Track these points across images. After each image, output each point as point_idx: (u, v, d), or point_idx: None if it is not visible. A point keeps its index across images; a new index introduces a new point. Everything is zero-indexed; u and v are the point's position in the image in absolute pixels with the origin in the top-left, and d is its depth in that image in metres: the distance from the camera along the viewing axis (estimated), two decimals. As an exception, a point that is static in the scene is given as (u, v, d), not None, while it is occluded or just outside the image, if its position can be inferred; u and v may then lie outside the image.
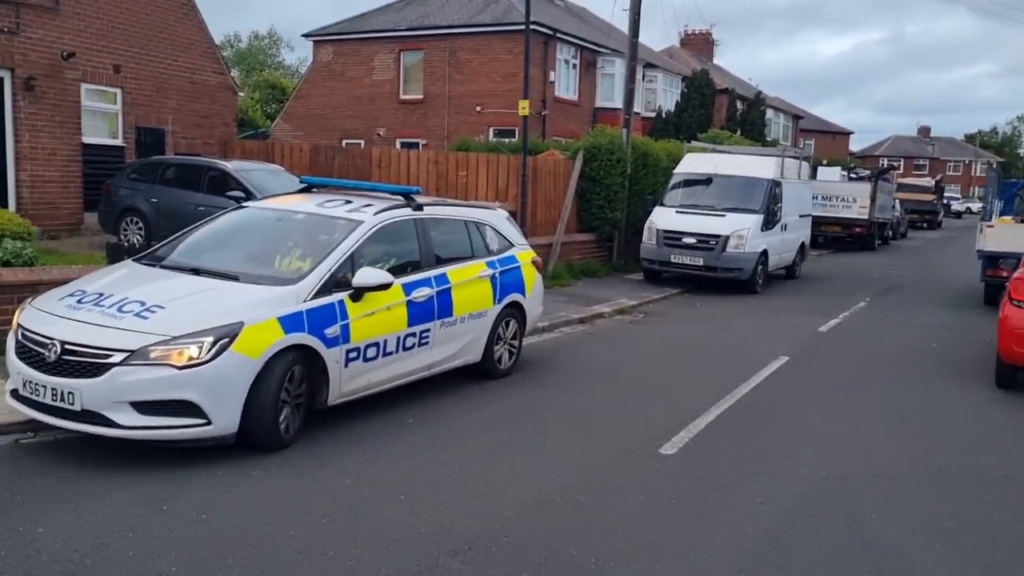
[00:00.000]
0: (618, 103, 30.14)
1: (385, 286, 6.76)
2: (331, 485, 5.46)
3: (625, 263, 17.58)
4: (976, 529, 5.28)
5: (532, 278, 9.09)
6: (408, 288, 7.24)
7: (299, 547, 4.52)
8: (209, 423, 5.67)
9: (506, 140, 24.20)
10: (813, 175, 28.07)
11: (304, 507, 5.07)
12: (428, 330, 7.46)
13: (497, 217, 9.06)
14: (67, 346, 5.65)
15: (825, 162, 31.58)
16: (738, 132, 27.49)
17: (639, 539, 4.86)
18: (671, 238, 15.77)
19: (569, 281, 15.54)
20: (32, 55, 15.09)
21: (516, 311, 8.83)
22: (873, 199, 26.53)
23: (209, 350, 5.65)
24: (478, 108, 27.54)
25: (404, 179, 16.06)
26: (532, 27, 26.60)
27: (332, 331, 6.43)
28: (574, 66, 29.36)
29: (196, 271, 6.67)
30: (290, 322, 6.11)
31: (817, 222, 26.39)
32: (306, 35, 30.96)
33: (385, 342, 6.98)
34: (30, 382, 5.75)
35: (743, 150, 18.83)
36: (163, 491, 5.20)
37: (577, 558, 4.56)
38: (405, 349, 7.25)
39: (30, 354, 5.81)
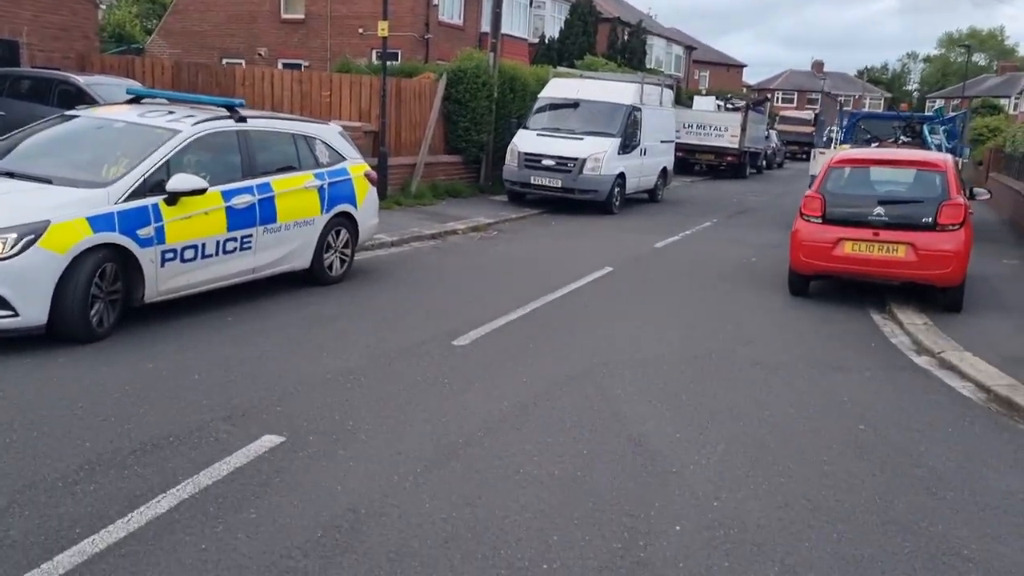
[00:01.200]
0: (507, 29, 30.51)
1: (199, 191, 7.16)
2: (132, 368, 5.94)
3: (492, 185, 18.16)
4: (697, 400, 6.14)
5: (364, 190, 9.57)
6: (228, 195, 7.64)
7: (81, 415, 5.01)
8: (16, 315, 6.06)
9: (388, 63, 24.30)
10: (688, 105, 29.12)
11: (97, 385, 5.55)
12: (250, 235, 7.91)
13: (328, 132, 9.47)
14: None
15: (704, 92, 32.57)
16: (617, 61, 28.11)
17: (401, 409, 5.53)
18: (531, 160, 16.40)
19: (432, 200, 16.06)
20: None
21: (347, 221, 9.32)
22: (744, 129, 27.72)
23: (14, 246, 6.01)
24: (360, 30, 27.31)
25: (268, 98, 16.16)
26: (414, -52, 26.59)
27: (145, 232, 6.83)
28: (458, -11, 29.34)
29: (11, 174, 6.94)
30: (99, 222, 6.48)
31: (691, 150, 27.61)
32: (181, -52, 29.90)
33: (204, 245, 7.41)
34: None
35: (606, 76, 19.48)
36: (-34, 373, 5.60)
37: (339, 422, 5.20)
38: (226, 252, 7.69)
39: None
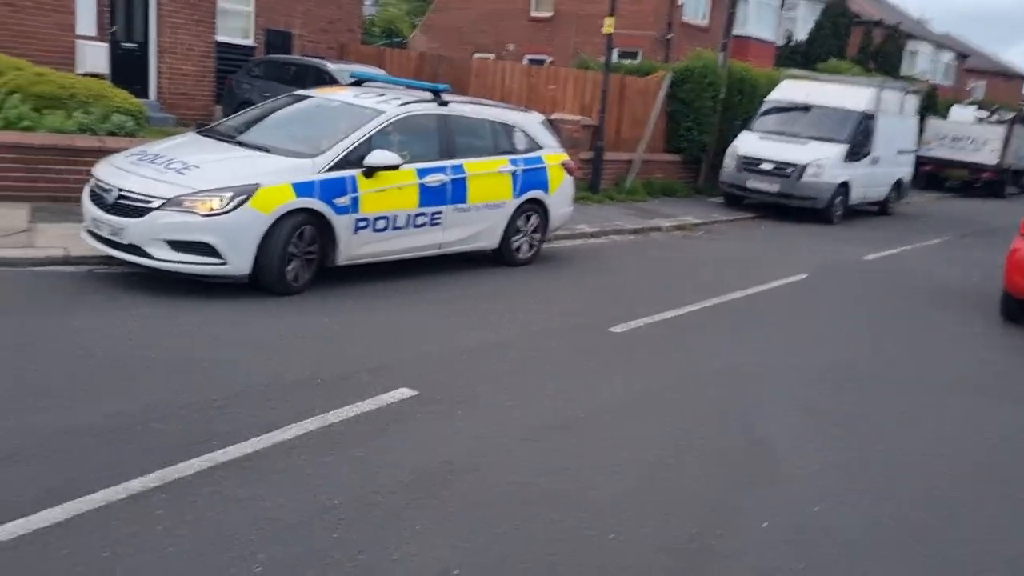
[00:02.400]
0: (751, 31, 29.80)
1: (394, 167, 7.81)
2: (310, 320, 6.66)
3: (710, 187, 17.90)
4: (835, 411, 5.90)
5: (559, 179, 9.90)
6: (422, 173, 8.26)
7: (253, 353, 5.74)
8: (225, 263, 6.96)
9: (626, 62, 24.56)
10: (944, 115, 26.91)
11: (276, 330, 6.29)
12: (440, 212, 8.49)
13: (529, 120, 9.88)
14: (122, 192, 7.04)
15: (970, 103, 29.93)
16: (867, 66, 26.48)
17: (531, 383, 5.80)
18: (749, 163, 16.02)
19: (644, 197, 16.14)
20: (175, -43, 16.76)
21: (538, 207, 9.70)
22: (1007, 144, 25.19)
23: (228, 203, 6.91)
24: (603, 29, 27.70)
25: (498, 89, 16.95)
26: (663, -53, 26.58)
27: (342, 201, 7.57)
28: (706, -11, 28.96)
29: (240, 143, 7.96)
30: (302, 188, 7.28)
31: (943, 164, 25.53)
32: (447, -52, 31.81)
33: (395, 217, 8.07)
34: (96, 219, 7.21)
35: (841, 79, 18.52)
36: (175, 309, 6.55)
37: (469, 386, 5.57)
38: (416, 226, 8.32)
39: (97, 198, 7.25)
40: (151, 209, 6.88)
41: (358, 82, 9.58)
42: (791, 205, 15.86)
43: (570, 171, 10.18)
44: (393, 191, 7.98)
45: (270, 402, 4.91)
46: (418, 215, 8.29)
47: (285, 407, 4.86)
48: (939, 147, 25.05)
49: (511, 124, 9.54)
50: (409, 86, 9.48)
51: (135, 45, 16.65)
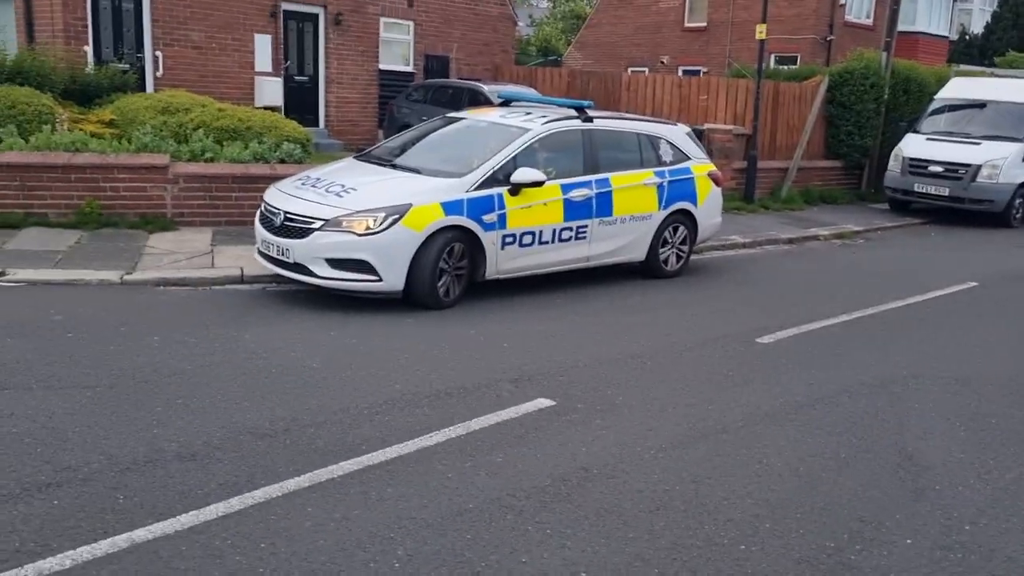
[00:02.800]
0: (920, 26, 28.29)
1: (538, 183, 8.02)
2: (458, 333, 6.94)
3: (874, 192, 17.13)
4: (1006, 426, 5.56)
5: (706, 189, 9.81)
6: (567, 188, 8.43)
7: (404, 363, 6.04)
8: (380, 279, 7.37)
9: (784, 67, 23.90)
10: None
11: (426, 342, 6.60)
12: (585, 226, 8.62)
13: (674, 132, 9.86)
14: (287, 215, 7.60)
15: None
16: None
17: (673, 392, 5.80)
18: (916, 166, 15.23)
19: (801, 205, 15.65)
20: (340, -7, 17.82)
21: (685, 218, 9.65)
22: None
23: (382, 223, 7.32)
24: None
25: (649, 102, 16.91)
26: (823, -53, 25.72)
27: (490, 217, 7.84)
28: (871, -13, 27.72)
29: (394, 166, 8.40)
30: (451, 207, 7.60)
31: None
32: (600, -35, 32.05)
33: (541, 232, 8.27)
34: (265, 241, 7.81)
35: (1017, 74, 17.25)
36: (336, 322, 6.99)
37: (610, 396, 5.65)
38: (561, 240, 8.48)
39: (266, 221, 7.86)
40: (313, 230, 7.38)
41: (506, 102, 9.88)
42: (964, 209, 14.94)
43: (717, 181, 10.07)
44: (538, 207, 8.18)
45: (417, 410, 5.18)
46: (564, 229, 8.45)
47: (430, 415, 5.11)
48: None
49: (656, 136, 9.55)
50: (554, 104, 9.68)
51: (306, 78, 17.81)
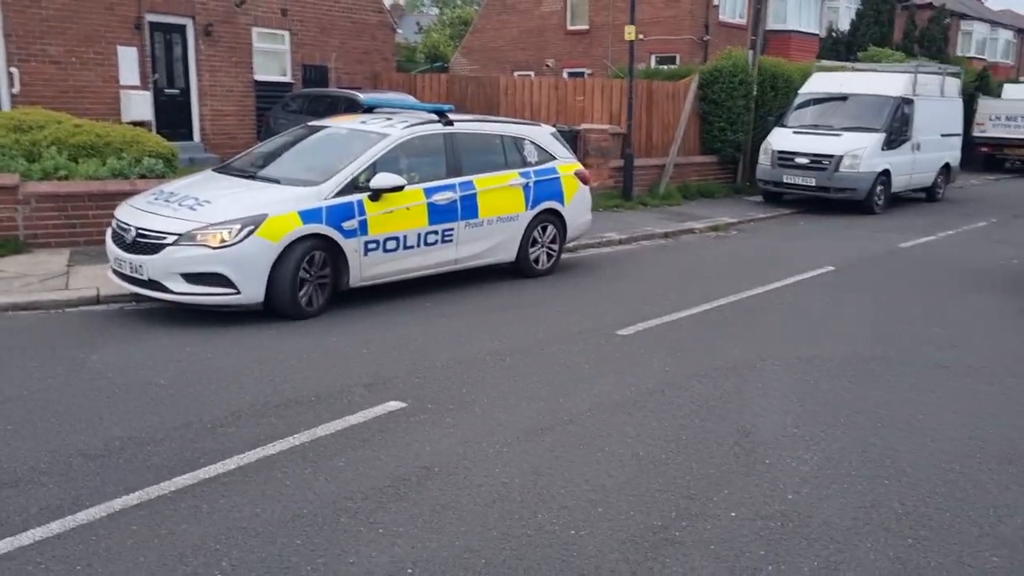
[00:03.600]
0: (791, 24, 29.42)
1: (398, 188, 8.01)
2: (319, 341, 6.86)
3: (749, 185, 17.74)
4: (840, 401, 5.84)
5: (573, 188, 9.98)
6: (430, 192, 8.44)
7: (258, 374, 5.95)
8: (238, 292, 7.23)
9: (664, 67, 24.49)
10: (997, 94, 26.11)
11: (283, 352, 6.51)
12: (451, 229, 8.65)
13: (539, 133, 10.00)
14: (139, 230, 7.39)
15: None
16: (913, 51, 25.78)
17: (527, 387, 5.88)
18: (784, 158, 15.84)
19: (679, 201, 16.07)
20: (210, 4, 17.45)
21: (554, 217, 9.78)
22: (1066, 118, 24.29)
23: (237, 235, 7.19)
24: (640, 36, 27.67)
25: (528, 104, 17.12)
26: (694, -50, 26.48)
27: (350, 224, 7.79)
28: (741, -13, 28.72)
29: (253, 177, 8.26)
30: (309, 215, 7.52)
31: (999, 144, 24.79)
32: (481, -29, 32.27)
33: (405, 237, 8.25)
34: (118, 259, 7.57)
35: (874, 67, 18.17)
36: (193, 338, 6.83)
37: (464, 395, 5.68)
38: (427, 244, 8.49)
39: (118, 238, 7.62)
40: (166, 245, 7.20)
41: (369, 109, 9.84)
42: (830, 198, 15.63)
43: (585, 180, 10.25)
44: (401, 211, 8.17)
45: (263, 420, 5.11)
46: (429, 233, 8.47)
47: (276, 424, 5.05)
48: (993, 127, 24.31)
49: (520, 137, 9.67)
50: (415, 108, 9.68)
51: (177, 91, 17.36)
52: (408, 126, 8.62)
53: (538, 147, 9.78)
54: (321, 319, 7.54)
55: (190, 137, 17.43)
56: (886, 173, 15.65)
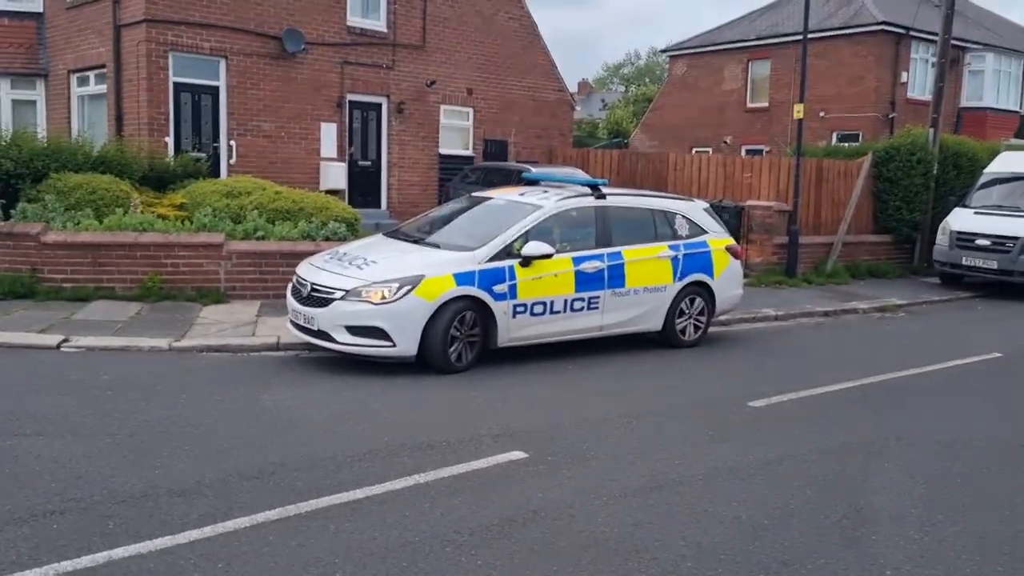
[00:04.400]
0: (988, 102, 28.12)
1: (546, 256, 8.53)
2: (460, 394, 7.42)
3: (927, 266, 17.04)
4: (970, 486, 5.69)
5: (723, 262, 10.15)
6: (577, 260, 8.92)
7: (401, 418, 6.55)
8: (394, 345, 7.94)
9: (845, 144, 24.03)
10: None
11: (425, 403, 7.10)
12: (597, 297, 9.06)
13: (691, 208, 10.28)
14: (314, 285, 8.30)
15: None
16: None
17: (648, 448, 6.12)
18: (964, 239, 15.19)
19: (847, 280, 15.70)
20: (403, 84, 19.02)
21: (702, 289, 9.98)
22: None
23: (396, 292, 7.93)
24: (821, 113, 27.39)
25: (695, 180, 17.39)
26: (883, 27, 26.09)
27: (500, 288, 8.37)
28: (932, 64, 27.75)
29: (417, 241, 9.07)
30: (463, 278, 8.17)
31: None
32: (664, 50, 33.01)
33: (552, 302, 8.74)
34: (295, 311, 8.51)
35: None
36: (351, 385, 7.56)
37: (584, 450, 6.01)
38: (574, 310, 8.93)
39: (296, 292, 8.58)
40: (334, 299, 8.05)
41: (531, 182, 10.51)
42: (1013, 282, 14.77)
43: (736, 255, 10.40)
44: (549, 278, 8.68)
45: (396, 459, 5.66)
46: (575, 300, 8.91)
47: (406, 463, 5.58)
48: None
49: (672, 211, 9.99)
50: (574, 183, 10.23)
51: (369, 162, 18.93)
52: (561, 199, 9.18)
53: (689, 221, 10.06)
54: (469, 374, 8.11)
55: (378, 205, 18.90)
56: (1079, 258, 14.64)
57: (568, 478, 5.49)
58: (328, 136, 17.87)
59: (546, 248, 8.53)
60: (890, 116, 26.49)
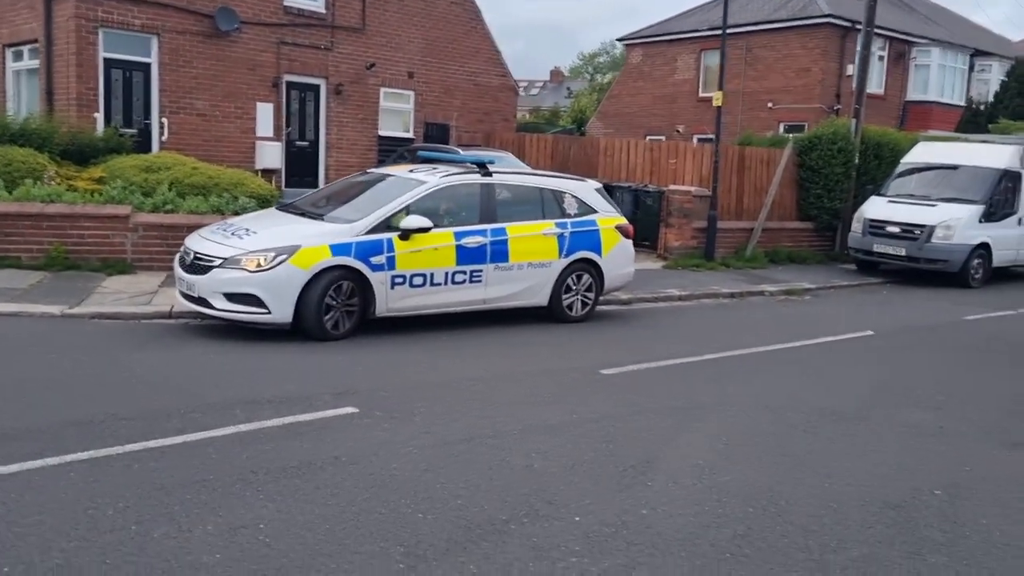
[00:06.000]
0: (932, 95, 28.64)
1: (424, 229, 8.85)
2: (327, 357, 7.74)
3: (847, 253, 17.48)
4: (769, 446, 6.08)
5: (612, 241, 10.50)
6: (460, 235, 9.24)
7: (254, 377, 6.87)
8: (269, 312, 8.24)
9: (790, 136, 24.45)
10: None
11: (290, 362, 7.43)
12: (480, 270, 9.39)
13: (582, 188, 10.62)
14: (196, 255, 8.59)
15: None
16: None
17: (473, 408, 6.46)
18: (876, 227, 15.65)
19: (764, 265, 16.11)
20: (342, 66, 19.23)
21: (590, 267, 10.33)
22: None
23: (271, 261, 8.23)
24: (770, 104, 27.87)
25: (624, 165, 17.75)
26: (829, 19, 26.53)
27: (378, 259, 8.69)
28: (880, 58, 28.25)
29: (304, 213, 9.36)
30: (339, 248, 8.48)
31: None
32: (620, 39, 33.37)
33: (432, 274, 9.06)
34: (180, 279, 8.79)
35: (982, 138, 17.58)
36: (221, 350, 7.87)
37: (412, 408, 6.35)
38: (455, 283, 9.25)
39: (181, 261, 8.86)
40: (214, 267, 8.34)
41: (424, 160, 10.82)
42: (920, 268, 15.26)
43: (627, 234, 10.75)
44: (429, 251, 8.99)
45: (228, 411, 5.97)
46: (456, 273, 9.23)
47: (237, 415, 5.90)
48: None
49: (561, 191, 10.33)
50: (466, 161, 10.53)
51: (307, 143, 19.16)
52: (446, 175, 9.50)
53: (579, 200, 10.40)
54: (346, 342, 8.42)
55: (315, 184, 19.05)
56: (985, 246, 15.14)
57: (386, 430, 5.82)
58: (264, 116, 18.06)
59: (424, 222, 8.85)
60: (835, 108, 26.92)
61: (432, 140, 20.88)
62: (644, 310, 11.66)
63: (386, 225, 8.82)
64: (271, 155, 18.03)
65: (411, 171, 9.95)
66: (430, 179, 9.39)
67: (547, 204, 10.17)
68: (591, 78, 55.83)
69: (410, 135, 20.79)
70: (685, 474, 5.37)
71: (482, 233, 9.42)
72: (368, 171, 10.71)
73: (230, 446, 5.33)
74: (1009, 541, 4.70)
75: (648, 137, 30.38)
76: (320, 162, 19.36)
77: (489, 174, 9.79)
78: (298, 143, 18.98)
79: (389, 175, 10.06)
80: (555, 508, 4.73)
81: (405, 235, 8.82)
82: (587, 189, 10.69)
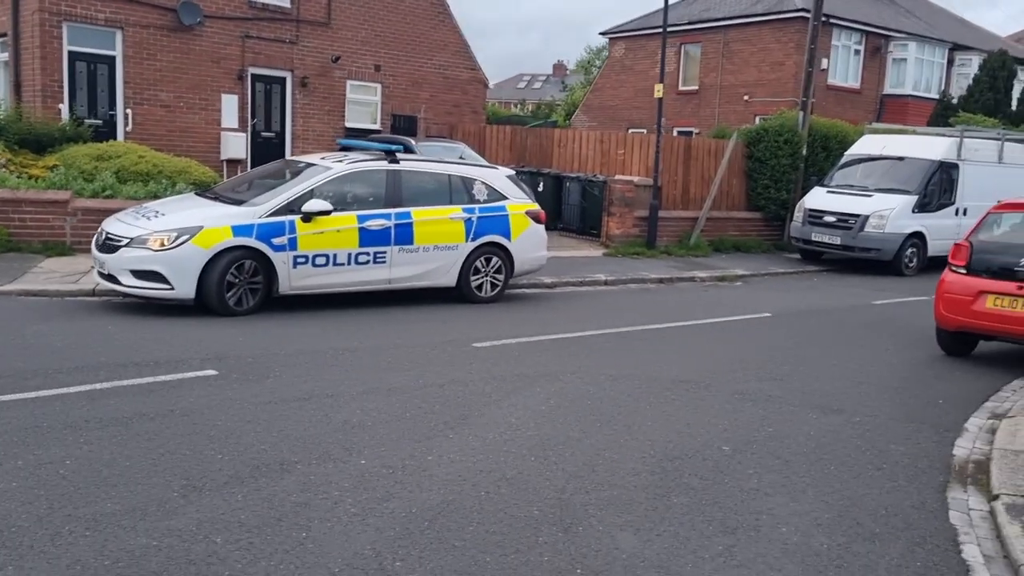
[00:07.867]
0: (908, 89, 28.85)
1: (325, 212, 9.37)
2: (218, 330, 8.27)
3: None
4: (617, 413, 6.56)
5: (522, 226, 10.98)
6: (363, 218, 9.75)
7: (138, 343, 7.41)
8: (172, 288, 8.79)
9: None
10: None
11: (178, 333, 7.96)
12: (384, 252, 9.90)
13: (493, 175, 11.11)
14: (108, 235, 9.15)
15: None
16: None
17: (328, 374, 6.98)
18: (814, 216, 16.04)
19: (707, 253, 16.54)
20: (308, 59, 19.77)
21: (499, 250, 10.82)
22: None
23: (174, 240, 8.78)
24: (745, 97, 28.19)
25: (576, 156, 18.21)
26: (802, 14, 26.78)
27: (279, 240, 9.21)
28: (856, 52, 28.50)
29: (217, 197, 9.91)
30: (241, 230, 9.02)
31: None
32: (603, 32, 33.76)
33: (335, 255, 9.58)
34: (95, 258, 9.36)
35: (923, 130, 17.89)
36: (120, 324, 8.42)
37: (271, 372, 6.87)
38: (358, 263, 9.77)
39: (96, 241, 9.43)
40: (121, 246, 8.90)
41: (344, 148, 11.34)
42: (855, 257, 15.63)
43: (538, 219, 11.22)
44: (331, 233, 9.51)
45: (94, 372, 6.52)
46: (359, 254, 9.75)
47: (98, 374, 6.44)
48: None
49: (471, 178, 10.82)
50: (379, 149, 11.02)
51: (273, 134, 19.70)
52: (353, 162, 10.01)
53: (489, 187, 10.88)
54: (249, 317, 8.96)
55: (282, 175, 19.66)
56: (919, 236, 15.49)
57: (234, 390, 6.35)
58: (229, 107, 18.63)
59: (324, 205, 9.37)
60: (806, 101, 27.17)
61: (400, 132, 21.35)
62: (565, 293, 12.13)
63: (289, 208, 9.34)
64: (235, 146, 18.59)
65: (323, 158, 10.48)
66: (336, 166, 9.91)
67: (455, 190, 10.65)
68: (586, 71, 56.07)
69: (378, 127, 21.29)
70: (491, 430, 5.86)
71: (386, 216, 9.92)
72: (287, 159, 11.24)
73: (78, 400, 5.87)
74: (759, 487, 5.17)
75: (631, 130, 30.76)
76: (287, 153, 19.85)
77: (396, 161, 10.29)
78: (264, 134, 19.53)
79: (309, 163, 10.57)
80: (348, 453, 5.24)
81: (307, 217, 9.34)
82: (498, 176, 11.17)
